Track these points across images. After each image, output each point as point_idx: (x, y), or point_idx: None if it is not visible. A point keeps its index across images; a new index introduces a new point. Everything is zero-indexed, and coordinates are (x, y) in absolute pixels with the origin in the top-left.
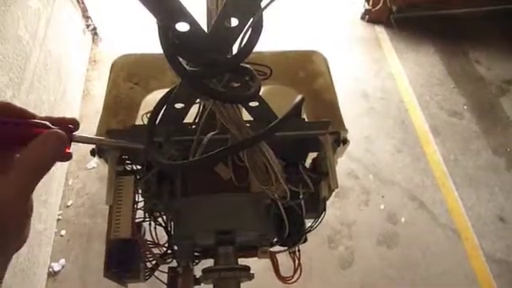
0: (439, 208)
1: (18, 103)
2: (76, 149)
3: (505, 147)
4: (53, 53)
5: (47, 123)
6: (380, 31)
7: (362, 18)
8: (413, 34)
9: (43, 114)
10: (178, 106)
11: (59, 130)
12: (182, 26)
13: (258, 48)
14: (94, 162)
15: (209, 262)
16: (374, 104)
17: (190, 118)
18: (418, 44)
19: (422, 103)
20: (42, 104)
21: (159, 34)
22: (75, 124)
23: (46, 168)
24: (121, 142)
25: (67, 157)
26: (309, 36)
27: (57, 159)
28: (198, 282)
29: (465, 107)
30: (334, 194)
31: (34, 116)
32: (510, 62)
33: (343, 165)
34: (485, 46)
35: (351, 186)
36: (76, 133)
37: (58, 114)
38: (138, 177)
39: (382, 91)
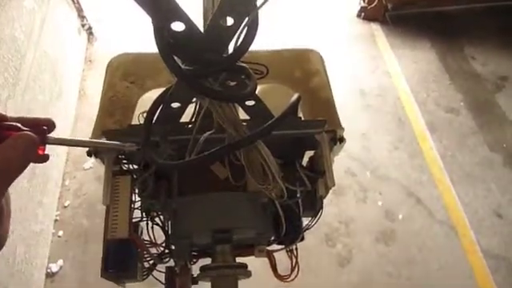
0: (436, 204)
1: (13, 104)
2: (72, 149)
3: (501, 143)
4: (48, 53)
5: (18, 125)
6: (376, 28)
7: (358, 15)
8: (409, 31)
9: (38, 114)
10: (175, 105)
11: (29, 133)
12: (178, 26)
13: (253, 47)
14: (91, 162)
15: (206, 262)
16: (370, 101)
17: (186, 118)
18: (414, 41)
19: (418, 100)
20: (37, 104)
21: (155, 34)
22: (50, 125)
23: (16, 171)
24: (99, 143)
25: (43, 158)
26: (305, 34)
27: (28, 162)
28: (195, 281)
29: (461, 103)
30: (331, 191)
31: (5, 117)
32: (506, 59)
33: (340, 162)
34: (480, 42)
35: (348, 184)
36: (66, 134)
37: (53, 114)
38: (135, 176)
39: (379, 88)
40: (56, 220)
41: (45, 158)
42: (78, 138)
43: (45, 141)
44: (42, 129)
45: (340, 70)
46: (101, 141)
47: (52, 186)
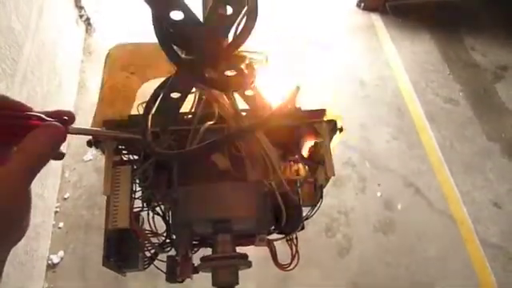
0: (435, 194)
1: (11, 95)
2: (72, 141)
3: (499, 133)
4: (46, 44)
5: (43, 116)
6: (376, 19)
7: (358, 5)
8: (408, 21)
9: (37, 106)
10: (174, 95)
11: (57, 123)
12: (177, 15)
13: (253, 36)
14: (91, 154)
15: (208, 251)
16: (369, 92)
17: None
18: (414, 31)
19: (417, 90)
20: (35, 95)
21: (153, 23)
22: (71, 116)
23: (44, 159)
24: (117, 133)
25: (60, 156)
26: (304, 24)
27: (55, 151)
28: (196, 270)
29: (460, 94)
30: (331, 182)
31: (30, 109)
32: (505, 48)
33: (340, 153)
34: (480, 32)
35: (348, 174)
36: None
37: (52, 105)
38: (135, 167)
39: (378, 79)
40: (56, 212)
41: (61, 156)
42: (96, 128)
43: (67, 131)
44: (63, 119)
45: (339, 61)
46: (118, 131)
47: (52, 177)
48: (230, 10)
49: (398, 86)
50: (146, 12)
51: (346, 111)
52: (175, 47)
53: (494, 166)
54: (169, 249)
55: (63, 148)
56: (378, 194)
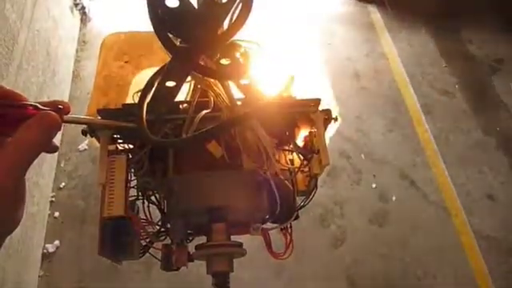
0: (430, 186)
1: (6, 84)
2: (67, 130)
3: (495, 126)
4: (41, 33)
5: (38, 105)
6: (373, 10)
7: None
8: (405, 13)
9: (32, 96)
10: (169, 84)
11: (52, 112)
12: (172, 2)
13: (248, 25)
14: (86, 143)
15: (203, 239)
16: (365, 84)
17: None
18: (411, 23)
19: (413, 82)
20: (31, 85)
21: (148, 11)
22: (66, 106)
23: (39, 149)
24: (112, 121)
25: (53, 149)
26: (300, 15)
27: (50, 140)
28: (192, 258)
29: (456, 86)
30: (326, 173)
31: (25, 99)
32: (502, 41)
33: (335, 144)
34: (477, 24)
35: (343, 166)
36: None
37: (47, 95)
38: (131, 156)
39: (374, 71)
40: (52, 201)
41: (54, 149)
42: (91, 117)
43: (62, 120)
44: (58, 108)
45: (335, 52)
46: (113, 120)
47: (47, 167)
48: None
49: (394, 79)
50: (142, 0)
51: (342, 103)
52: (170, 35)
53: (488, 159)
54: (164, 237)
55: (56, 141)
56: (373, 186)
